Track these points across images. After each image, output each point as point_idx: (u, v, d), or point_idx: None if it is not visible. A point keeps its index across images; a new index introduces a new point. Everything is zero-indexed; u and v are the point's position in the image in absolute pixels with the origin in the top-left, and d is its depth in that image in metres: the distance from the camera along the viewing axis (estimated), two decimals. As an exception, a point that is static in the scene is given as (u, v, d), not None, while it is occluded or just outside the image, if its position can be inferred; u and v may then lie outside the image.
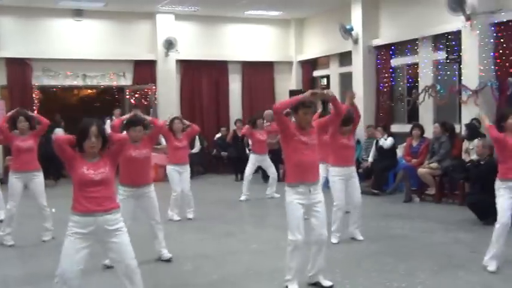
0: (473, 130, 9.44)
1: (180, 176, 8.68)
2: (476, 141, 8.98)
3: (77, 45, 14.34)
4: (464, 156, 9.54)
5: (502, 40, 10.01)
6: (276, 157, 11.65)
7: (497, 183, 5.75)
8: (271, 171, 10.77)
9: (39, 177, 7.40)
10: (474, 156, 8.91)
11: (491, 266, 5.64)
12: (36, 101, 14.09)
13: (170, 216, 8.65)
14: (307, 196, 5.08)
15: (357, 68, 13.58)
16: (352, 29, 13.38)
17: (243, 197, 10.51)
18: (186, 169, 8.77)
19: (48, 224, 7.50)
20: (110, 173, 4.32)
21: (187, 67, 15.61)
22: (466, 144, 9.56)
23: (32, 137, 7.40)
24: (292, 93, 15.47)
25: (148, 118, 6.76)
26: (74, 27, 14.44)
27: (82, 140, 4.22)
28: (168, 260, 6.30)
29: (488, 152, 8.15)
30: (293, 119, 5.34)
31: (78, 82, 14.67)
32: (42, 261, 6.60)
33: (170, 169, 8.70)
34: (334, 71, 15.40)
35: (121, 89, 15.46)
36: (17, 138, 7.37)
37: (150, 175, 6.39)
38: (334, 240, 6.88)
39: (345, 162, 7.03)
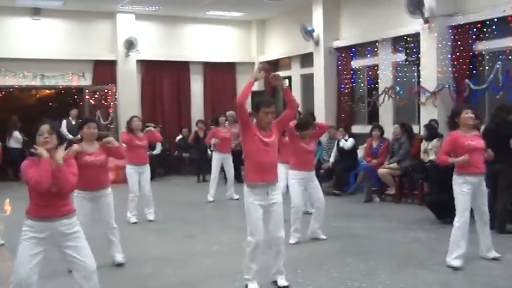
0: (432, 131, 9.58)
1: (139, 176, 8.54)
2: (434, 141, 9.14)
3: (35, 44, 14.07)
4: (423, 157, 9.68)
5: (459, 43, 10.20)
6: (237, 159, 11.62)
7: (455, 178, 5.81)
8: (230, 172, 10.70)
9: None
10: (433, 157, 9.04)
11: (456, 262, 5.72)
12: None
13: (128, 218, 8.51)
14: (265, 197, 5.08)
15: (318, 69, 13.66)
16: (313, 31, 13.45)
17: (210, 198, 10.40)
18: (146, 169, 8.64)
19: None
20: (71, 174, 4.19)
21: (148, 67, 15.48)
22: (425, 145, 9.70)
23: None
24: (254, 94, 15.48)
25: (116, 144, 6.20)
26: (32, 26, 14.15)
27: (35, 138, 4.11)
28: (120, 264, 6.15)
29: None
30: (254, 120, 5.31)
31: (36, 82, 14.41)
32: None
33: (129, 169, 8.55)
34: (295, 72, 15.47)
35: (80, 90, 15.20)
36: None
37: (107, 179, 6.17)
38: (292, 240, 6.89)
39: (303, 166, 6.99)
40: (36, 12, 14.04)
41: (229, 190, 10.63)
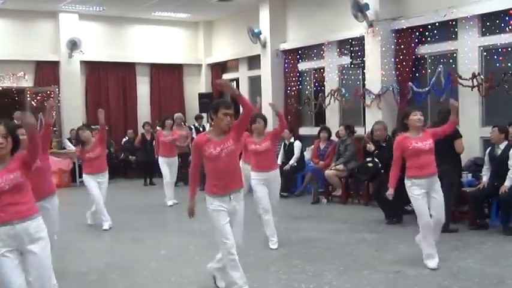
0: (378, 155, 9.48)
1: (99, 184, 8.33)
2: (376, 125, 9.05)
3: (-28, 44, 13.60)
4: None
5: (402, 46, 10.44)
6: (185, 160, 11.53)
7: (405, 182, 5.85)
8: (170, 176, 10.33)
9: None
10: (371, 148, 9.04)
11: (432, 263, 5.80)
12: None
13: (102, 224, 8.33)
14: (228, 203, 4.82)
15: (266, 71, 13.73)
16: (260, 33, 13.52)
17: (170, 202, 10.19)
18: (105, 176, 8.48)
19: None
20: (22, 178, 3.87)
21: (93, 68, 15.24)
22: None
23: None
24: (201, 96, 15.44)
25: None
26: (-31, 25, 13.68)
27: None
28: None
29: (386, 134, 8.48)
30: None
31: (-26, 83, 13.93)
32: None
33: (86, 177, 8.35)
34: (243, 74, 15.50)
35: (22, 91, 14.77)
36: None
37: (52, 185, 5.62)
38: (273, 246, 6.82)
39: (259, 167, 6.91)
40: (-27, 10, 13.60)
41: (166, 195, 10.29)
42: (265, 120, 7.08)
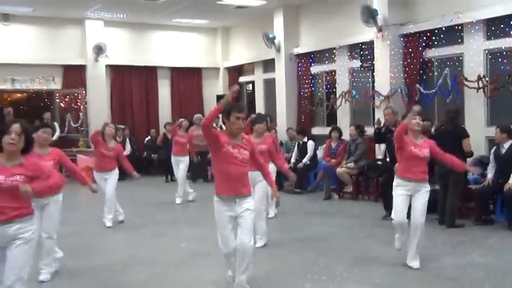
0: (378, 135, 9.50)
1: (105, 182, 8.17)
2: (385, 110, 8.93)
3: (5, 49, 13.77)
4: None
5: (410, 50, 10.36)
6: (204, 159, 11.56)
7: (396, 181, 5.73)
8: (180, 174, 10.18)
9: None
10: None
11: (397, 244, 5.86)
12: (-38, 105, 13.37)
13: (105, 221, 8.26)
14: (233, 208, 4.64)
15: (280, 74, 13.72)
16: (274, 38, 13.51)
17: (190, 197, 10.17)
18: (112, 175, 8.23)
19: None
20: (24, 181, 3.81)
21: (117, 72, 15.31)
22: (378, 147, 9.79)
23: None
24: (219, 98, 15.46)
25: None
26: (2, 31, 13.82)
27: (1, 136, 3.80)
28: (42, 282, 5.45)
29: (396, 118, 8.10)
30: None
31: (7, 86, 14.13)
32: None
33: (96, 175, 8.27)
34: (258, 77, 15.50)
35: (51, 93, 14.93)
36: None
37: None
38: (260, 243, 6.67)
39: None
40: (5, 18, 13.73)
41: (177, 194, 10.19)
42: (267, 122, 6.91)
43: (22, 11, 13.40)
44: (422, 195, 5.61)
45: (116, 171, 8.31)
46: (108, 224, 8.11)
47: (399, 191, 5.66)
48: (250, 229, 4.70)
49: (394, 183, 5.73)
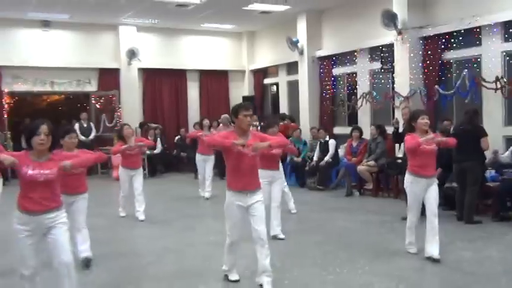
0: (396, 134, 9.43)
1: (131, 178, 8.26)
2: (402, 110, 8.88)
3: (45, 53, 14.01)
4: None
5: (429, 52, 10.27)
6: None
7: (406, 177, 5.77)
8: (207, 170, 10.22)
9: None
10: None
11: (412, 249, 5.85)
12: (6, 106, 13.63)
13: (119, 212, 8.43)
14: (245, 198, 4.77)
15: (303, 76, 13.70)
16: (298, 42, 13.49)
17: (206, 194, 10.19)
18: (139, 172, 8.34)
19: None
20: (56, 173, 4.01)
21: (149, 75, 15.44)
22: (398, 146, 9.71)
23: None
24: (245, 99, 15.51)
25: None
26: (42, 37, 14.07)
27: (31, 137, 3.95)
28: (86, 262, 5.67)
29: None
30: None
31: (46, 88, 14.33)
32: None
33: (121, 171, 8.37)
34: (282, 79, 15.50)
35: (87, 95, 15.15)
36: None
37: (83, 184, 5.73)
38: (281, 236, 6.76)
39: (268, 166, 6.68)
40: (45, 24, 13.97)
41: (205, 189, 10.21)
42: (279, 125, 7.05)
43: (61, 18, 13.61)
44: (435, 186, 5.71)
45: (141, 170, 8.43)
46: (142, 217, 8.19)
47: (414, 187, 5.68)
48: (263, 218, 4.82)
49: (408, 180, 5.74)
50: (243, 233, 4.94)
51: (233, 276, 5.06)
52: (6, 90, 13.64)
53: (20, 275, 4.08)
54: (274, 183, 6.79)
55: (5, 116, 13.49)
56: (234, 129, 4.94)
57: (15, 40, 13.74)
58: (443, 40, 10.06)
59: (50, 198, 4.00)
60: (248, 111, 4.79)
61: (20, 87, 13.87)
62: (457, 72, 9.98)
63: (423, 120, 5.66)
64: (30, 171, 3.90)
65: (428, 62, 10.29)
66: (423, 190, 5.66)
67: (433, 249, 5.58)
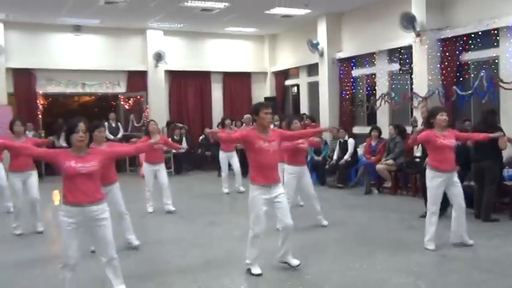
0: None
1: (155, 173, 8.44)
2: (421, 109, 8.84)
3: (76, 57, 14.23)
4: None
5: (447, 53, 10.15)
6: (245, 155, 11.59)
7: (427, 172, 5.78)
8: (235, 166, 10.43)
9: (34, 175, 7.14)
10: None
11: (431, 246, 5.80)
12: (40, 107, 13.89)
13: (147, 208, 8.51)
14: (268, 191, 4.96)
15: (323, 78, 13.65)
16: (318, 44, 13.46)
17: (226, 190, 10.34)
18: (162, 167, 8.53)
19: (40, 216, 7.32)
20: (99, 166, 4.18)
21: (175, 77, 15.56)
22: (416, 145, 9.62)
23: (28, 141, 7.19)
24: (267, 99, 15.54)
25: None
26: (74, 41, 14.29)
27: (70, 134, 4.11)
28: (135, 248, 6.16)
29: None
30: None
31: (78, 90, 14.57)
32: (42, 247, 6.53)
33: (145, 167, 8.52)
34: (303, 80, 15.47)
35: (116, 96, 15.34)
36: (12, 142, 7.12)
37: (113, 175, 6.01)
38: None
39: (296, 161, 6.89)
40: (77, 29, 14.19)
41: (236, 183, 10.45)
42: (300, 121, 7.17)
43: (91, 23, 13.82)
44: (457, 182, 5.76)
45: (164, 164, 8.61)
46: (172, 208, 8.45)
47: (436, 182, 5.67)
48: (287, 209, 5.05)
49: (430, 175, 5.72)
50: (266, 226, 5.05)
51: (256, 270, 5.09)
52: (40, 91, 13.90)
53: (63, 264, 4.19)
54: (303, 178, 6.94)
55: (39, 116, 13.75)
56: (255, 127, 5.10)
57: (49, 44, 13.99)
58: (461, 42, 9.93)
59: (94, 189, 4.14)
60: (268, 109, 5.01)
61: (53, 88, 14.13)
62: (475, 73, 9.85)
63: (442, 117, 5.70)
64: (73, 164, 4.05)
65: (446, 63, 10.17)
66: (443, 185, 5.68)
67: (465, 236, 5.80)
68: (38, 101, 13.83)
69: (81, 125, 4.08)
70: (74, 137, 4.07)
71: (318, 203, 7.22)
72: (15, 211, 7.23)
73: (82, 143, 4.09)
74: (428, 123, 5.84)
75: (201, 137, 14.98)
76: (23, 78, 13.68)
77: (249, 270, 5.13)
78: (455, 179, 5.76)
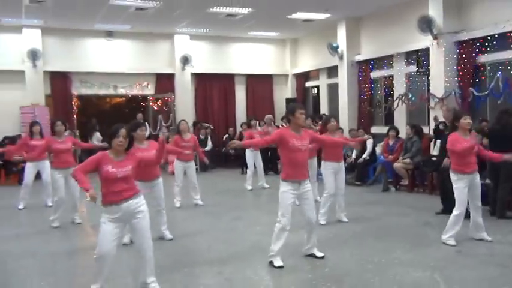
0: (436, 131, 9.34)
1: (186, 170, 8.57)
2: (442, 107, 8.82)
3: (108, 60, 14.42)
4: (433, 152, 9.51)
5: (464, 56, 10.01)
6: (272, 153, 11.66)
7: (451, 175, 5.78)
8: (258, 164, 10.54)
9: None
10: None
11: (451, 241, 5.76)
12: (75, 108, 14.14)
13: (175, 203, 8.61)
14: (298, 187, 5.11)
15: (342, 79, 13.59)
16: (337, 47, 13.40)
17: (249, 187, 10.43)
18: (192, 164, 8.69)
19: (79, 210, 7.54)
20: (132, 170, 4.31)
21: (201, 79, 15.65)
22: (433, 144, 9.53)
23: (68, 140, 7.41)
24: (288, 100, 15.54)
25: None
26: (106, 45, 14.50)
27: (111, 138, 4.24)
28: (171, 239, 6.37)
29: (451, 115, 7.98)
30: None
31: (109, 91, 14.77)
32: (78, 239, 6.66)
33: (177, 164, 8.63)
34: (323, 82, 15.42)
35: (145, 98, 15.51)
36: (55, 141, 7.37)
37: (157, 171, 6.25)
38: (322, 221, 6.92)
39: (333, 158, 7.05)
40: (109, 34, 14.39)
41: (260, 180, 10.56)
42: (337, 120, 7.38)
43: (122, 28, 13.99)
44: (478, 184, 5.77)
45: (193, 163, 8.75)
46: (200, 202, 8.65)
47: (461, 184, 5.67)
48: (313, 205, 5.24)
49: (454, 178, 5.73)
50: (291, 220, 5.15)
51: (278, 262, 5.13)
52: (75, 93, 14.16)
53: (97, 255, 4.27)
54: (339, 174, 7.08)
55: (74, 117, 14.00)
56: (290, 126, 5.22)
57: (83, 49, 14.22)
58: (478, 44, 9.79)
59: (128, 188, 4.27)
60: (303, 110, 5.15)
61: (87, 90, 14.36)
62: (491, 74, 9.70)
63: (466, 120, 5.71)
64: (110, 169, 4.18)
65: (462, 65, 10.03)
66: (467, 185, 5.69)
67: (483, 232, 5.85)
68: (72, 102, 14.08)
69: (122, 131, 4.23)
70: (115, 141, 4.22)
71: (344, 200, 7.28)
72: (55, 205, 7.42)
73: (121, 147, 4.24)
74: (453, 125, 5.82)
75: (225, 136, 15.08)
76: (59, 80, 13.94)
77: (271, 262, 5.17)
78: (478, 180, 5.78)
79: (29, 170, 8.66)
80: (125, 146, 4.27)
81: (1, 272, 5.28)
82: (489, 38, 9.57)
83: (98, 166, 4.21)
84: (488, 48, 9.70)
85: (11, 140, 11.82)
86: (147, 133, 14.73)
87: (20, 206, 8.75)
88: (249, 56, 16.22)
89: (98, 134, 14.36)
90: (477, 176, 5.77)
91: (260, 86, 16.46)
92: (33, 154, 7.97)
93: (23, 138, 9.10)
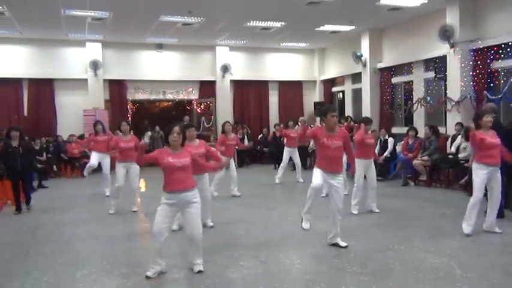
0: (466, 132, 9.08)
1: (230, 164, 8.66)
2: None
3: (158, 69, 14.67)
4: (451, 151, 9.27)
5: (479, 62, 9.73)
6: (305, 151, 11.61)
7: (474, 165, 5.60)
8: (296, 161, 10.55)
9: (136, 166, 7.51)
10: (464, 154, 8.67)
11: (467, 230, 5.59)
12: (130, 111, 14.46)
13: (212, 192, 8.64)
14: (329, 178, 5.07)
15: (366, 85, 13.41)
16: (361, 56, 13.24)
17: (277, 180, 10.41)
18: (232, 160, 8.79)
19: (137, 199, 7.71)
20: (189, 161, 4.43)
21: (238, 85, 15.72)
22: (461, 143, 9.21)
23: (132, 139, 7.61)
24: (316, 104, 15.43)
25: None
26: (156, 56, 14.74)
27: (167, 136, 4.38)
28: (212, 227, 6.36)
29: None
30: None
31: (159, 97, 15.00)
32: (134, 225, 6.81)
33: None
34: (348, 87, 15.25)
35: (190, 102, 15.70)
36: (121, 140, 7.57)
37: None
38: (355, 211, 6.90)
39: (364, 156, 7.00)
40: (159, 46, 14.63)
41: (297, 175, 10.58)
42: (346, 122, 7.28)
43: (171, 41, 14.21)
44: (499, 177, 5.56)
45: (233, 158, 8.83)
46: (238, 193, 8.74)
47: (481, 172, 5.48)
48: (342, 197, 5.15)
49: (475, 167, 5.55)
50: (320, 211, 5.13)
51: (306, 225, 5.24)
52: (130, 98, 14.48)
53: (153, 234, 4.40)
54: (369, 170, 7.07)
55: (129, 119, 14.32)
56: (324, 126, 5.20)
57: (137, 59, 14.52)
58: (492, 51, 9.49)
59: (187, 179, 4.38)
60: (334, 112, 5.15)
61: (140, 96, 14.66)
62: (504, 79, 9.39)
63: (487, 119, 5.56)
64: (170, 160, 4.33)
65: (477, 71, 9.75)
66: (487, 175, 5.48)
67: (497, 227, 5.64)
68: (128, 106, 14.41)
69: (176, 129, 4.37)
70: (170, 137, 4.36)
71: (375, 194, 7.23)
72: (113, 192, 7.62)
73: (176, 142, 4.37)
74: (477, 124, 5.66)
75: (259, 136, 15.12)
76: (116, 87, 14.29)
77: (301, 220, 5.29)
78: (499, 174, 5.56)
79: (94, 156, 8.86)
80: (179, 141, 4.38)
81: (70, 252, 5.46)
82: (503, 45, 9.27)
83: (156, 159, 4.35)
84: (502, 55, 9.39)
85: (79, 137, 12.60)
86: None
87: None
88: (281, 65, 16.20)
89: (149, 133, 14.64)
90: (498, 170, 5.54)
91: (291, 91, 16.41)
92: (98, 147, 8.47)
93: (91, 135, 9.42)
